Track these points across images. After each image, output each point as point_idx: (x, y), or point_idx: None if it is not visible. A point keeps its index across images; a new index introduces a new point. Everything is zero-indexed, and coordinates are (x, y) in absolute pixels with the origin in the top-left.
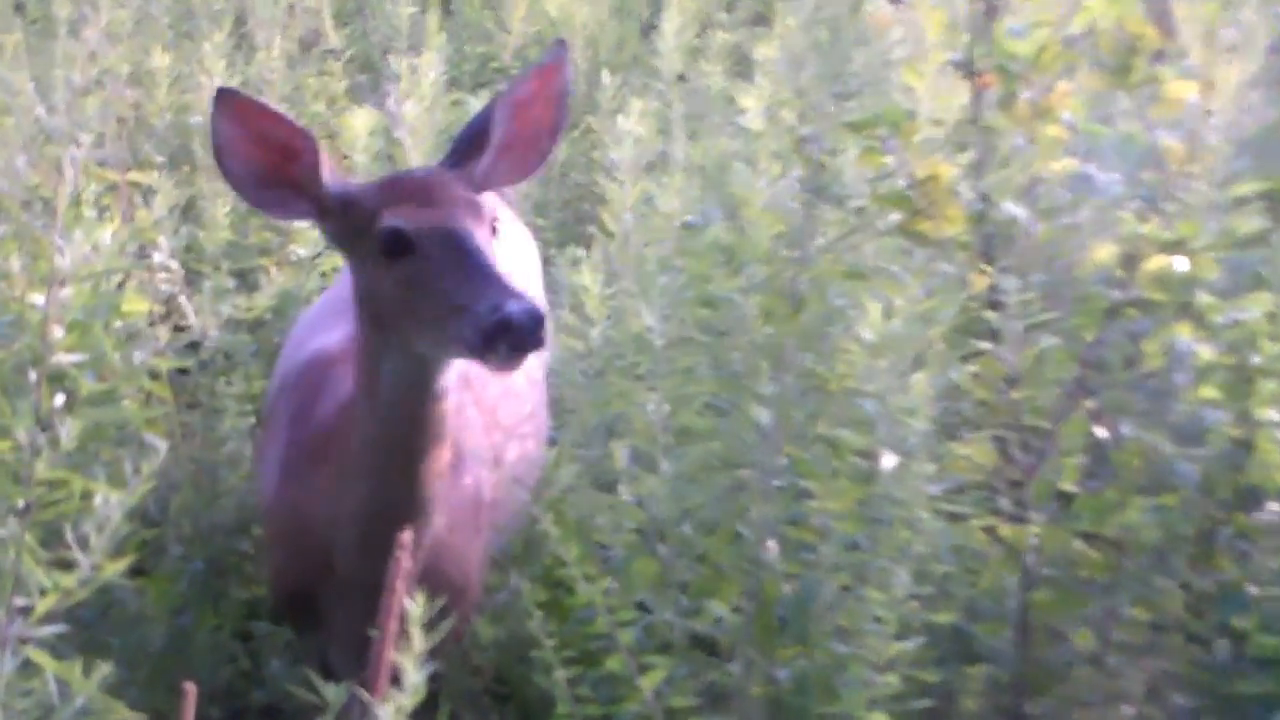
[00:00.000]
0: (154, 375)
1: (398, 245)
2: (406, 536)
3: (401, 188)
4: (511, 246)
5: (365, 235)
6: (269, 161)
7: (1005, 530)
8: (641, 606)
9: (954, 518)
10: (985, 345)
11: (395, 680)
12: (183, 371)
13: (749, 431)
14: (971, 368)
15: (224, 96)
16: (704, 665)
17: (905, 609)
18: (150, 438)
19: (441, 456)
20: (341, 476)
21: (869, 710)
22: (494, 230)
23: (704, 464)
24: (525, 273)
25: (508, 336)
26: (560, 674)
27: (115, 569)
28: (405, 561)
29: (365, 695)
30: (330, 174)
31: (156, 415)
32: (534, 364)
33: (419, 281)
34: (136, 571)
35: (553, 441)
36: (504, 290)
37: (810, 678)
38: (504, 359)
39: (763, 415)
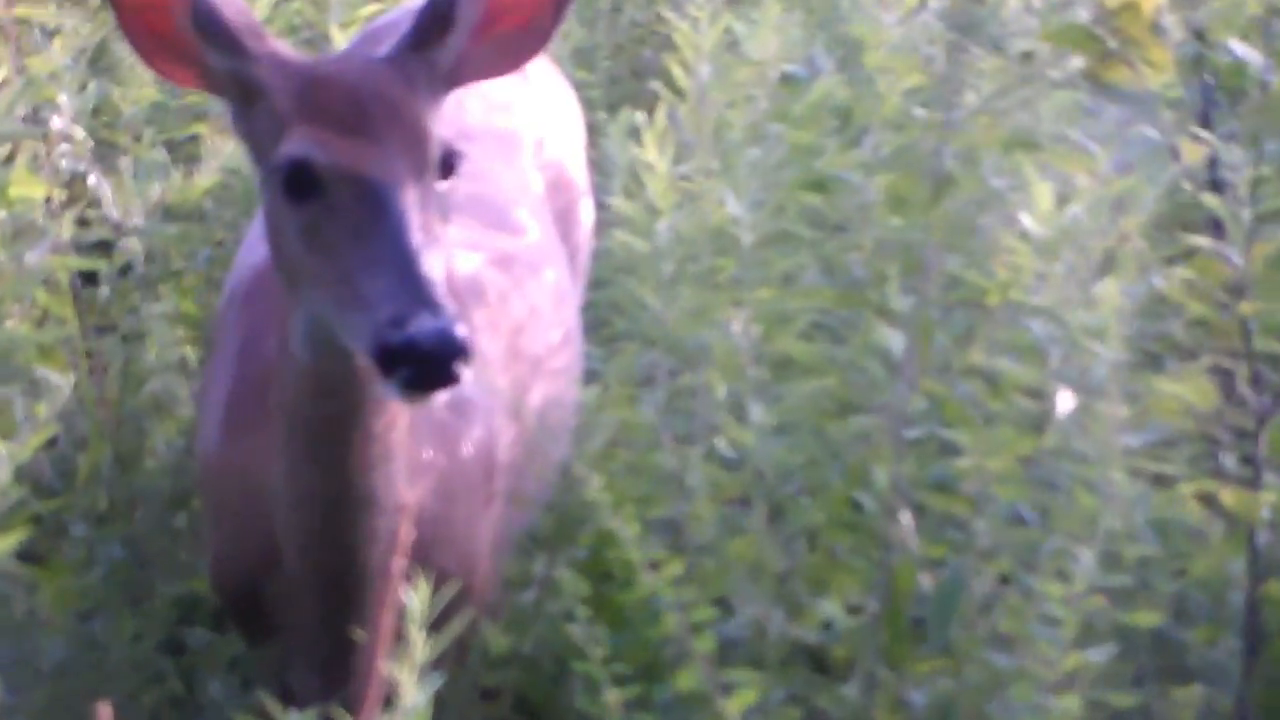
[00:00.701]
0: (51, 285)
1: (302, 182)
2: (405, 510)
3: (324, 94)
4: (543, 110)
5: (266, 145)
6: (153, 5)
7: (1229, 497)
8: (724, 604)
9: (1157, 480)
10: (1201, 241)
11: (388, 701)
12: (90, 279)
13: (873, 362)
14: (1182, 272)
15: None
16: (810, 685)
17: (1089, 607)
18: (46, 372)
19: (389, 427)
20: (269, 442)
21: None
22: (446, 171)
23: (810, 407)
24: (562, 149)
25: (408, 362)
26: (612, 696)
27: (5, 547)
28: (403, 542)
29: None
30: (225, 27)
31: (54, 340)
32: (563, 272)
33: (320, 239)
34: (28, 557)
35: (595, 376)
36: (417, 294)
37: (957, 701)
38: (401, 389)
39: (892, 340)
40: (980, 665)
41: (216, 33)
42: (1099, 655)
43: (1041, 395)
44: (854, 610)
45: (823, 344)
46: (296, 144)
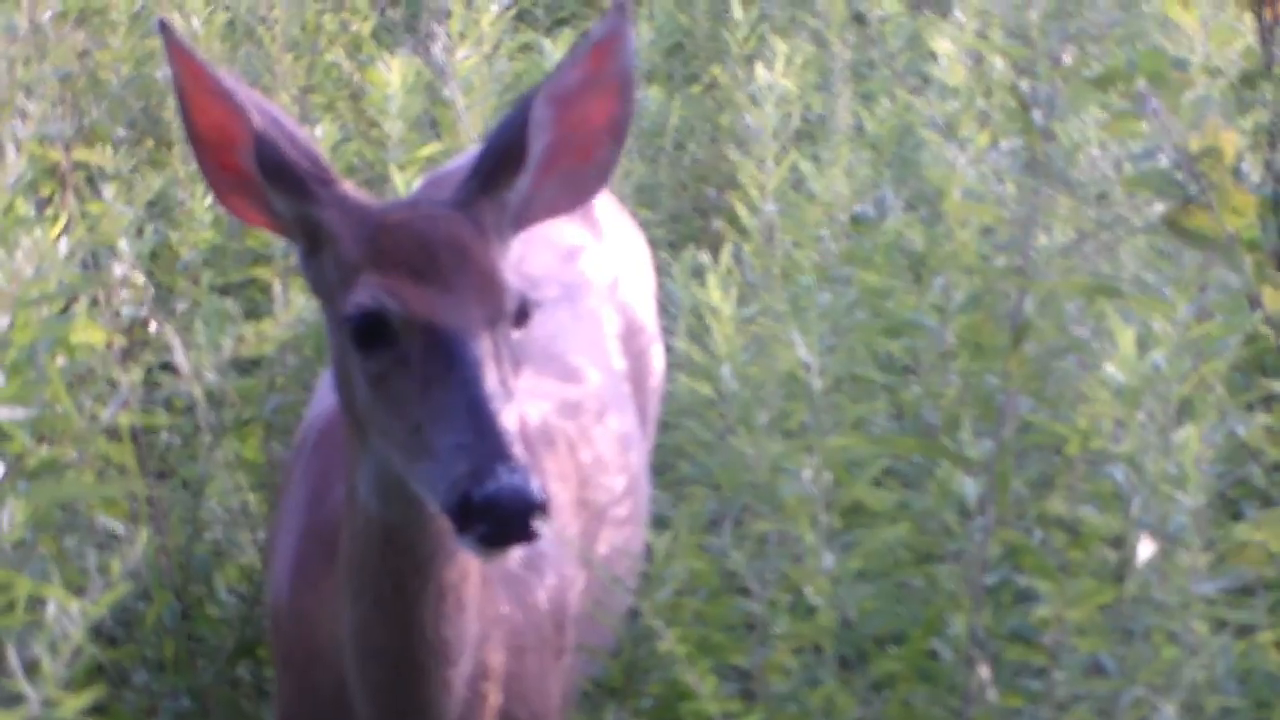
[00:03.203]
0: (111, 432)
1: (373, 331)
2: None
3: (396, 241)
4: (614, 255)
5: (335, 291)
6: (221, 140)
7: None
8: None
9: (1240, 630)
10: None
11: None
12: (148, 429)
13: (948, 510)
14: (1262, 418)
15: (164, 33)
16: None
17: None
18: (109, 521)
19: (461, 579)
20: (339, 593)
21: None
22: (520, 319)
23: (886, 555)
24: (633, 294)
25: (485, 519)
26: None
27: (76, 706)
28: (491, 707)
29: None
30: (290, 170)
31: (118, 492)
32: (628, 417)
33: (391, 389)
34: (90, 708)
35: (661, 521)
36: (494, 447)
37: None
38: (478, 545)
39: (968, 487)
40: None
41: (281, 175)
42: None
43: (1121, 543)
44: None
45: (896, 490)
46: (366, 292)
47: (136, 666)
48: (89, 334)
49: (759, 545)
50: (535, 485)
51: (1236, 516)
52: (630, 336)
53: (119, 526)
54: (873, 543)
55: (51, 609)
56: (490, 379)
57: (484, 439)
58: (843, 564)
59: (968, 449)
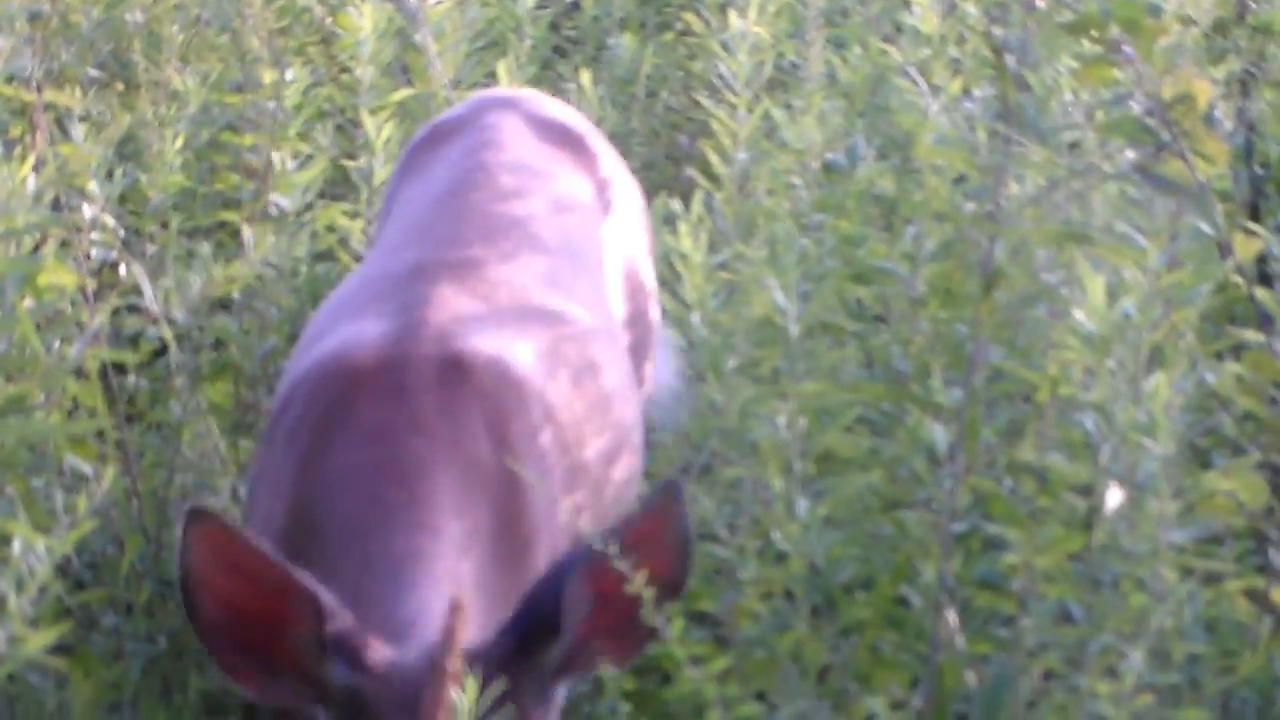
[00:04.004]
0: (80, 374)
1: None
2: (456, 604)
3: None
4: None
5: None
6: (254, 618)
7: (1279, 595)
8: (765, 699)
9: (1207, 578)
10: (1251, 336)
11: None
12: (118, 368)
13: (918, 457)
14: (1232, 367)
15: (196, 519)
16: None
17: (1137, 705)
18: (77, 462)
19: None
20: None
21: None
22: None
23: (856, 502)
24: (632, 247)
25: None
26: None
27: (41, 644)
28: (456, 638)
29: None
30: (343, 645)
31: (85, 431)
32: (624, 366)
33: None
34: (57, 649)
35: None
36: None
37: None
38: None
39: (937, 435)
40: None
41: (342, 646)
42: None
43: (1090, 491)
44: (899, 707)
45: (867, 438)
46: None
47: (105, 610)
48: (58, 276)
49: (728, 491)
50: None
51: (1207, 467)
52: (632, 293)
53: (87, 468)
54: (844, 490)
55: (17, 546)
56: None
57: None
58: (812, 511)
59: (937, 396)
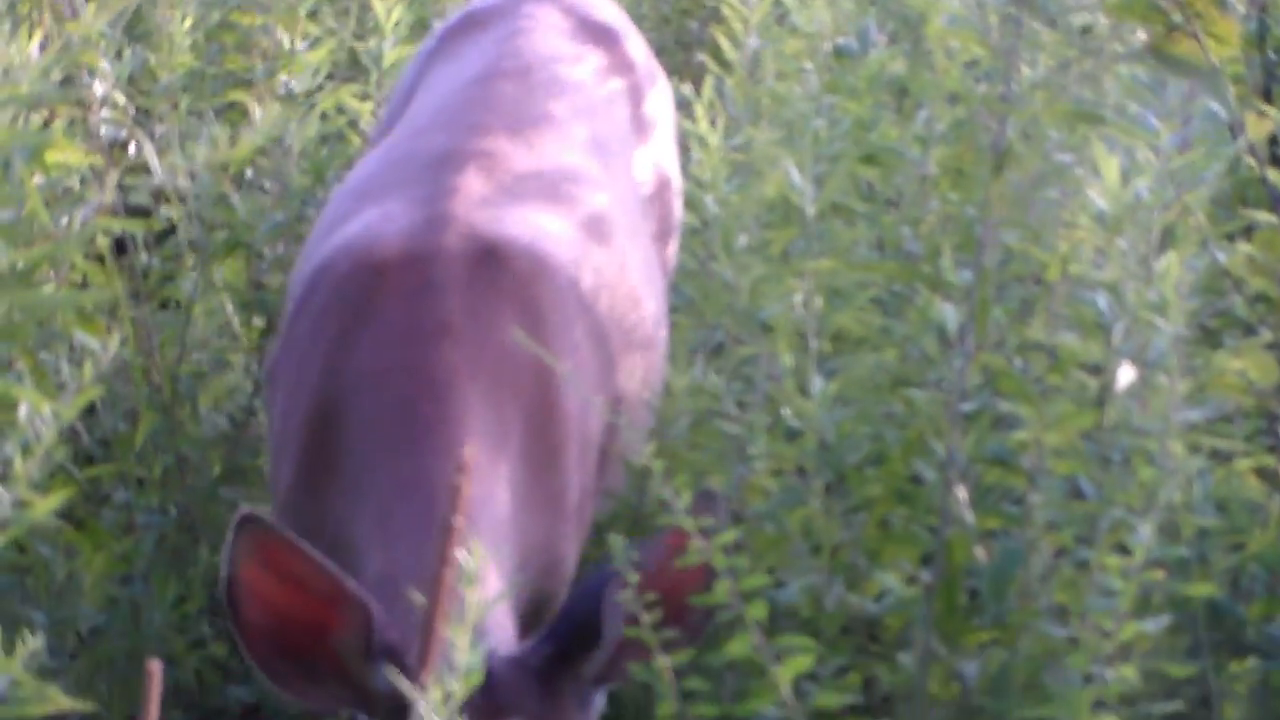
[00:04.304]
0: (89, 255)
1: None
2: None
3: None
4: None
5: None
6: (299, 623)
7: None
8: (779, 578)
9: (1216, 456)
10: (1263, 216)
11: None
12: (124, 248)
13: (929, 337)
14: (1243, 247)
15: (245, 526)
16: (863, 655)
17: (1146, 579)
18: (85, 338)
19: None
20: (342, 496)
21: (1094, 715)
22: None
23: (868, 380)
24: (661, 141)
25: None
26: (663, 661)
27: (47, 509)
28: (462, 496)
29: (401, 679)
30: (391, 654)
31: (94, 306)
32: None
33: None
34: (66, 522)
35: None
36: None
37: (1011, 673)
38: None
39: (948, 314)
40: (1035, 637)
41: (389, 654)
42: (1155, 626)
43: (1101, 370)
44: (908, 582)
45: (879, 318)
46: None
47: (117, 486)
48: (67, 153)
49: (739, 368)
50: None
51: (1216, 345)
52: (659, 189)
53: (96, 344)
54: (856, 369)
55: (23, 411)
56: None
57: None
58: (824, 389)
59: (948, 276)
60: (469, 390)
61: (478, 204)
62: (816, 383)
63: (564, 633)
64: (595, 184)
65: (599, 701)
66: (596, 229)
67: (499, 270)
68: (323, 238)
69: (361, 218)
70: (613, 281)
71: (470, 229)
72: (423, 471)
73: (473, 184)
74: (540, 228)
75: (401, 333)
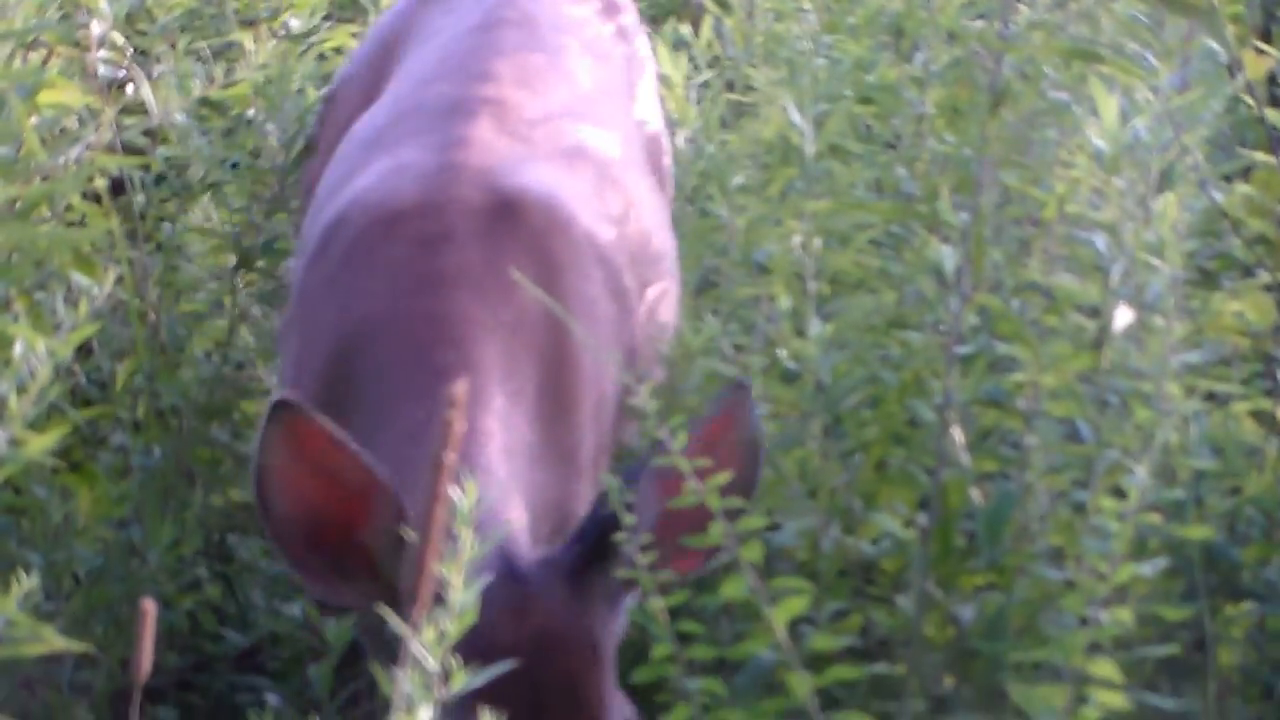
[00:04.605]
0: (86, 195)
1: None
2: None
3: (494, 638)
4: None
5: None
6: (329, 515)
7: None
8: (775, 519)
9: (1213, 399)
10: (1261, 157)
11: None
12: (122, 190)
13: (925, 278)
14: (1241, 188)
15: (281, 410)
16: (860, 598)
17: (1142, 521)
18: (81, 278)
19: None
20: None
21: (1089, 658)
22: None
23: (866, 322)
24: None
25: None
26: (657, 603)
27: (41, 446)
28: (455, 435)
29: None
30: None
31: (90, 246)
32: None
33: None
34: (61, 463)
35: None
36: None
37: (1007, 616)
38: None
39: (944, 255)
40: (1031, 580)
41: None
42: (1151, 569)
43: (1098, 311)
44: (906, 524)
45: (876, 259)
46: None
47: (113, 429)
48: (65, 94)
49: (735, 309)
50: None
51: (1214, 287)
52: (650, 141)
53: (93, 285)
54: (852, 310)
55: (18, 348)
56: None
57: None
58: (820, 331)
59: (945, 217)
60: (486, 340)
61: (491, 154)
62: (814, 324)
63: (593, 533)
64: (604, 127)
65: (626, 608)
66: (608, 175)
67: (516, 222)
68: (333, 191)
69: (373, 169)
70: (627, 228)
71: (486, 180)
72: (438, 418)
73: (485, 133)
74: (555, 179)
75: (418, 281)
